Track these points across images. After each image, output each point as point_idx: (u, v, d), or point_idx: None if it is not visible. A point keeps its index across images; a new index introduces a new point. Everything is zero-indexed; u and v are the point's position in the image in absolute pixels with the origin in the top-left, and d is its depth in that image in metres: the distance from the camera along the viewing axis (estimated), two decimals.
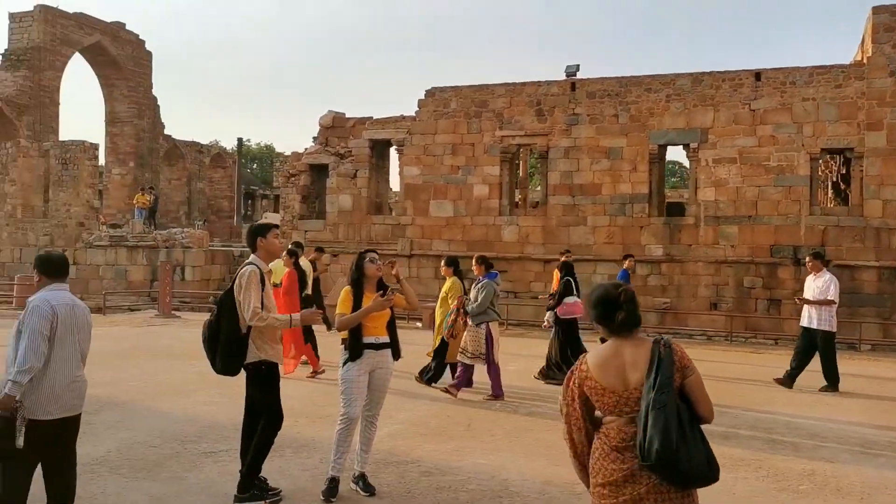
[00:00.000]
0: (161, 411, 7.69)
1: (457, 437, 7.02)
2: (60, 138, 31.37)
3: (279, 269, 11.92)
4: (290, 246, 11.49)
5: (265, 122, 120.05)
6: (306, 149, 22.94)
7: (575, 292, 10.96)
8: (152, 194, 28.27)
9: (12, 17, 33.79)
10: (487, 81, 20.95)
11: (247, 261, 5.23)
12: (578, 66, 20.65)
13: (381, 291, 5.51)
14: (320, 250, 15.98)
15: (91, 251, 22.92)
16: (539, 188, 30.06)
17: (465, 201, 20.76)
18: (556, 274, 11.54)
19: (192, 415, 7.56)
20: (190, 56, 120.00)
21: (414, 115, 21.34)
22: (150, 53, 38.37)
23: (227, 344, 4.99)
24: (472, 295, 9.27)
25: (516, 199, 23.06)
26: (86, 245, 23.16)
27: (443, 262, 10.03)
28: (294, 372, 9.98)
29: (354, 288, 5.60)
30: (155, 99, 38.50)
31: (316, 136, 23.86)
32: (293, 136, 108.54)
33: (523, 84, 20.50)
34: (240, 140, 36.76)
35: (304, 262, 11.54)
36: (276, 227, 5.57)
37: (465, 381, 9.13)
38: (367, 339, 5.46)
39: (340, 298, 5.59)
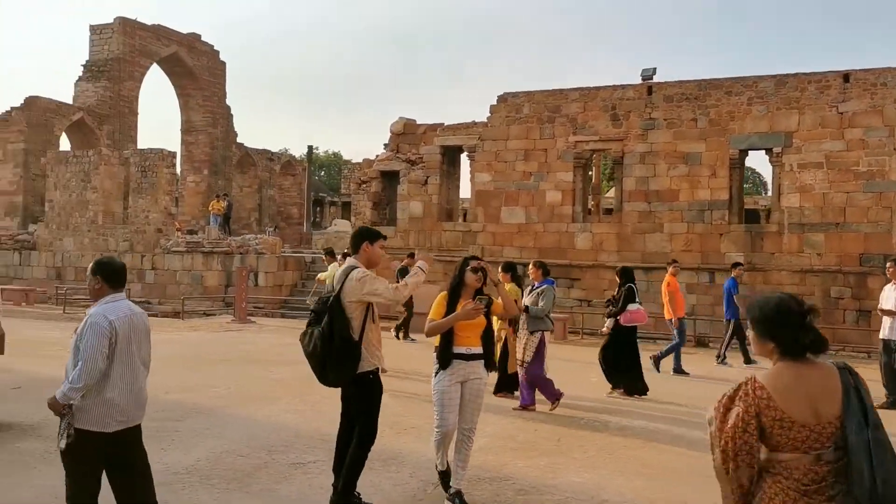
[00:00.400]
0: (246, 418, 7.65)
1: (547, 452, 6.77)
2: (138, 147, 32.31)
3: (332, 275, 11.98)
4: (347, 250, 11.46)
5: (332, 129, 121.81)
6: (377, 156, 23.00)
7: (637, 299, 10.58)
8: (226, 201, 28.79)
9: (93, 29, 34.97)
10: (560, 86, 20.64)
11: (348, 264, 5.06)
12: (655, 69, 20.16)
13: (474, 299, 5.34)
14: (412, 256, 15.87)
15: (168, 257, 23.42)
16: (608, 195, 29.55)
17: (537, 208, 20.48)
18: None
19: (276, 423, 7.50)
20: (259, 65, 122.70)
21: (485, 120, 21.18)
22: (223, 63, 39.24)
23: (340, 352, 4.78)
24: (527, 300, 9.04)
25: (589, 206, 22.64)
26: (163, 251, 23.68)
27: (500, 268, 9.79)
28: None
29: (450, 294, 5.43)
30: (228, 108, 39.34)
31: (386, 142, 23.95)
32: (360, 143, 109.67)
33: (598, 88, 20.12)
34: (310, 147, 37.30)
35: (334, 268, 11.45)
36: (385, 237, 5.34)
37: (532, 391, 8.88)
38: (457, 349, 5.25)
39: (434, 303, 5.43)
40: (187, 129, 38.06)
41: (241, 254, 23.28)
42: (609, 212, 25.32)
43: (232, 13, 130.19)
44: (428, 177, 21.76)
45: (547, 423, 7.96)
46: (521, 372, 8.84)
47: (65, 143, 33.45)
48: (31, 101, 30.86)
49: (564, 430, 7.72)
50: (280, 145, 67.63)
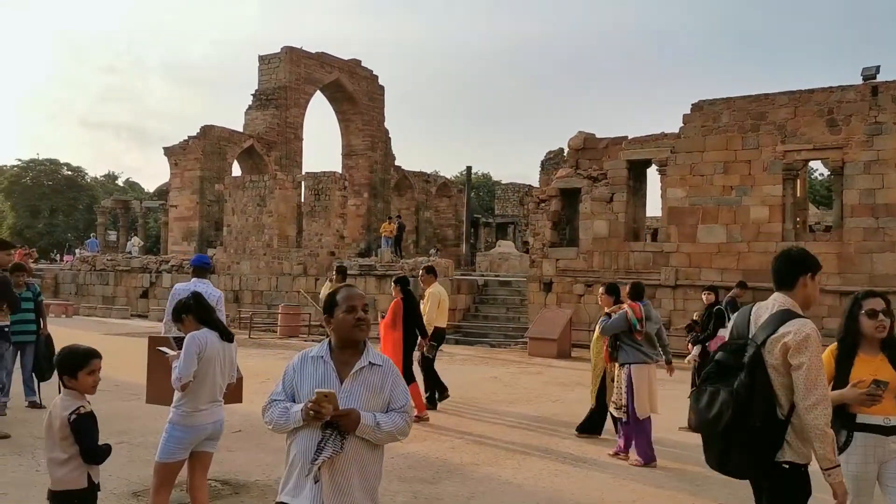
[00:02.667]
0: (508, 483, 6.45)
1: None
2: (303, 171, 32.70)
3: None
4: (421, 272, 10.53)
5: (482, 150, 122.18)
6: (556, 173, 21.78)
7: (728, 323, 8.70)
8: (398, 223, 28.44)
9: (262, 59, 35.94)
10: (764, 91, 18.64)
11: (782, 304, 3.48)
12: (878, 67, 17.82)
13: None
14: (744, 286, 12.70)
15: None
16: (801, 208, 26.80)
17: (739, 225, 18.51)
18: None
19: (546, 490, 6.26)
20: (411, 86, 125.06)
21: (677, 131, 19.47)
22: (382, 88, 39.41)
23: (757, 433, 3.28)
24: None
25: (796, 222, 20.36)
26: None
27: (601, 290, 8.14)
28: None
29: (841, 351, 4.00)
30: (386, 131, 39.44)
31: (544, 160, 22.82)
32: (512, 165, 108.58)
33: (811, 91, 17.97)
34: (468, 168, 36.67)
35: (435, 289, 9.95)
36: (817, 266, 3.62)
37: (629, 439, 7.36)
38: (865, 419, 3.83)
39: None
40: (348, 152, 38.43)
41: (412, 277, 22.60)
42: (828, 229, 22.85)
43: (390, 36, 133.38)
44: (613, 193, 20.25)
45: None
46: (612, 412, 7.65)
47: (236, 170, 34.46)
48: (206, 130, 31.94)
49: None
50: (431, 167, 67.95)
